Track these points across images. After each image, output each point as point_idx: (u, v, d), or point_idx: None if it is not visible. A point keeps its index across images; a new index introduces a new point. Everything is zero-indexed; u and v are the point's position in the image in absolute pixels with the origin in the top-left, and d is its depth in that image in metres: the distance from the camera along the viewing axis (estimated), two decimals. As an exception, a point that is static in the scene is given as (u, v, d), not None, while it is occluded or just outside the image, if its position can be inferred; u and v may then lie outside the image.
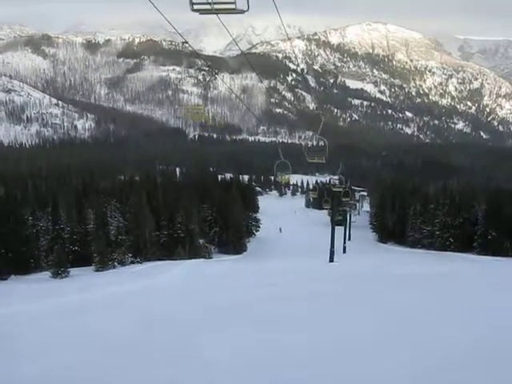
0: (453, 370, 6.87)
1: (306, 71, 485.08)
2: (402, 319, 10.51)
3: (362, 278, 20.22)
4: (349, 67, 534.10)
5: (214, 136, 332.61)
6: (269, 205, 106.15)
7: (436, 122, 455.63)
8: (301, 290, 16.69)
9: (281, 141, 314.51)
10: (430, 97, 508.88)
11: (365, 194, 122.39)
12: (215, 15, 6.76)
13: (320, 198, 52.06)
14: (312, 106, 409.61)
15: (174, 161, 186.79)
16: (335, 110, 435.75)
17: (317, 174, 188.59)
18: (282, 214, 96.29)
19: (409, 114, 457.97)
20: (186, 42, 8.63)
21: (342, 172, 32.94)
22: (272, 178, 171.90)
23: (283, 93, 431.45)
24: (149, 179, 65.40)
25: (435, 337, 8.77)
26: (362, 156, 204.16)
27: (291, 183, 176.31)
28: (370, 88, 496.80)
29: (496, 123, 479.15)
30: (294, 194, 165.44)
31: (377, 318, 10.79)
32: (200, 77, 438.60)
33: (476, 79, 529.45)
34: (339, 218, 63.92)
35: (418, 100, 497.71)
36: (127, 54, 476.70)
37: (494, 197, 54.76)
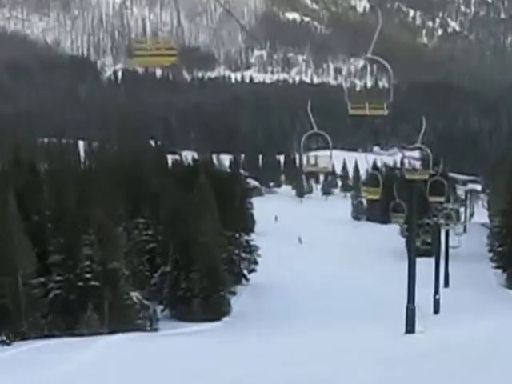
0: None
1: None
2: None
3: (469, 370, 11.00)
4: None
5: (158, 73, 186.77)
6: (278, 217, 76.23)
7: None
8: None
9: (298, 79, 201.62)
10: None
11: (477, 187, 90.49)
12: None
13: (386, 201, 32.31)
14: (362, 6, 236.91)
15: (73, 127, 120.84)
16: (410, 12, 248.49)
17: (375, 148, 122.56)
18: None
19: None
20: None
21: (425, 141, 19.37)
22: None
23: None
24: (19, 167, 39.44)
25: None
26: (467, 108, 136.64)
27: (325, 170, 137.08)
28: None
29: None
30: (327, 192, 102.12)
31: None
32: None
33: None
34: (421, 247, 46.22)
35: None
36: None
37: None
